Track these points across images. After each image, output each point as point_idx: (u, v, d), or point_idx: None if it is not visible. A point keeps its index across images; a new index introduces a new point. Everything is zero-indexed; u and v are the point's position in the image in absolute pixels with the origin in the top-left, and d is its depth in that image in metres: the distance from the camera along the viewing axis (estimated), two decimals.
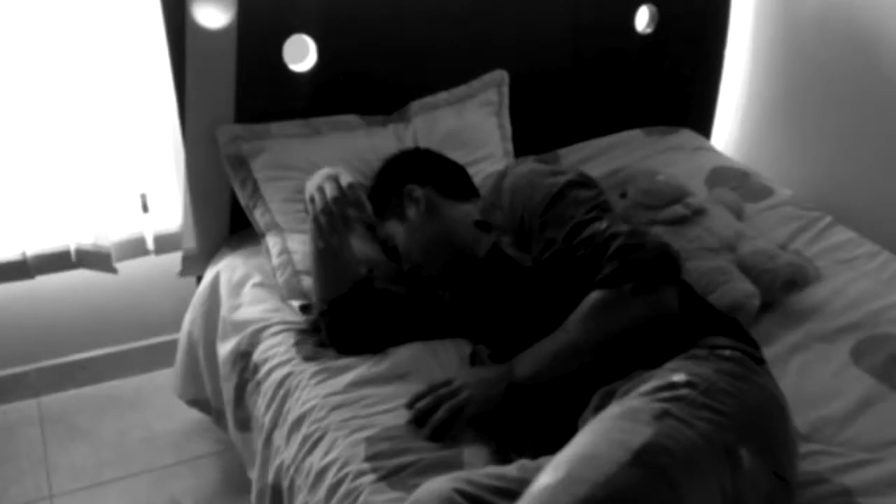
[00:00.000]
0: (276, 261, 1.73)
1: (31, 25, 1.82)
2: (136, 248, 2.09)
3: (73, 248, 2.04)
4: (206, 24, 1.73)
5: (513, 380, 1.37)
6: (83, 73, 1.88)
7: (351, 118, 1.92)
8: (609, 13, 2.19)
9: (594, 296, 1.36)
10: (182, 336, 1.93)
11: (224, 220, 1.95)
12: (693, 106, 2.44)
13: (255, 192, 1.82)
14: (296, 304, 1.67)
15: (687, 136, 2.36)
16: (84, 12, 1.83)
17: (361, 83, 1.96)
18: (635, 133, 2.32)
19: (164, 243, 2.10)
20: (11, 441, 2.09)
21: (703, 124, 2.47)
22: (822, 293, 1.78)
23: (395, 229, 1.61)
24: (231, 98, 1.82)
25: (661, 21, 2.24)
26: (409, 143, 1.91)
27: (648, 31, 2.26)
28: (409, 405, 1.38)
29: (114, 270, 2.05)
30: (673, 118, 2.38)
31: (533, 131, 2.18)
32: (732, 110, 2.53)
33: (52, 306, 2.15)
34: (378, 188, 1.67)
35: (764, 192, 2.14)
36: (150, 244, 2.09)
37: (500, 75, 2.10)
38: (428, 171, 1.66)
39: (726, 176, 2.18)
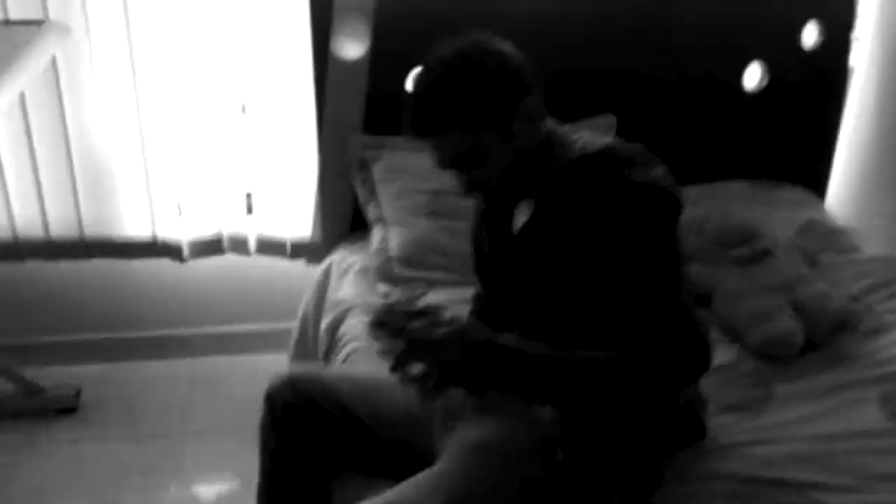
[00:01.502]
0: (375, 247, 2.06)
1: (185, 54, 2.21)
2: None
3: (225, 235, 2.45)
4: (345, 55, 2.10)
5: (494, 340, 1.29)
6: (234, 89, 2.26)
7: None
8: (719, 69, 2.35)
9: (614, 358, 1.28)
10: (299, 313, 2.27)
11: (346, 218, 2.29)
12: (806, 163, 2.52)
13: (372, 191, 2.16)
14: (383, 288, 1.97)
15: (794, 191, 2.47)
16: (241, 40, 2.21)
17: None
18: (741, 184, 2.45)
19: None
20: (166, 389, 2.51)
21: (817, 182, 2.55)
22: (879, 342, 1.84)
23: (490, 143, 1.32)
24: (360, 114, 2.18)
25: (773, 78, 2.37)
26: None
27: (760, 86, 2.39)
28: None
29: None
30: (785, 173, 2.49)
31: None
32: (849, 170, 2.59)
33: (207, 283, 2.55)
34: (475, 90, 1.30)
35: (850, 247, 2.22)
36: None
37: (609, 120, 2.30)
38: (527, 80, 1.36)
39: (818, 228, 2.28)
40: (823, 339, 1.83)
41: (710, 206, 2.28)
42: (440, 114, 1.30)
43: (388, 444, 1.45)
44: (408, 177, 2.12)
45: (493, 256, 1.50)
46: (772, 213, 2.30)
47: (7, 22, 2.02)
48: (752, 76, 2.38)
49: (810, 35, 2.35)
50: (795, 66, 2.37)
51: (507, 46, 1.37)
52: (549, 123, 1.42)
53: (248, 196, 2.40)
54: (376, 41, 2.13)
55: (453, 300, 1.80)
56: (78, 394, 2.39)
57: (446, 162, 1.35)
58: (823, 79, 2.42)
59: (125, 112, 2.26)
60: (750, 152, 2.47)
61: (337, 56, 2.09)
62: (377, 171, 2.16)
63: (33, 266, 2.38)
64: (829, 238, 2.25)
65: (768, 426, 1.60)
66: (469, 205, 1.56)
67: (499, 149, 1.32)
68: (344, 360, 1.81)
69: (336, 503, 1.47)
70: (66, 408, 2.36)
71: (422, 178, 2.10)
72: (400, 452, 1.43)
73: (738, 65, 2.36)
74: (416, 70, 1.36)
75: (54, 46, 1.99)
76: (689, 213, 2.14)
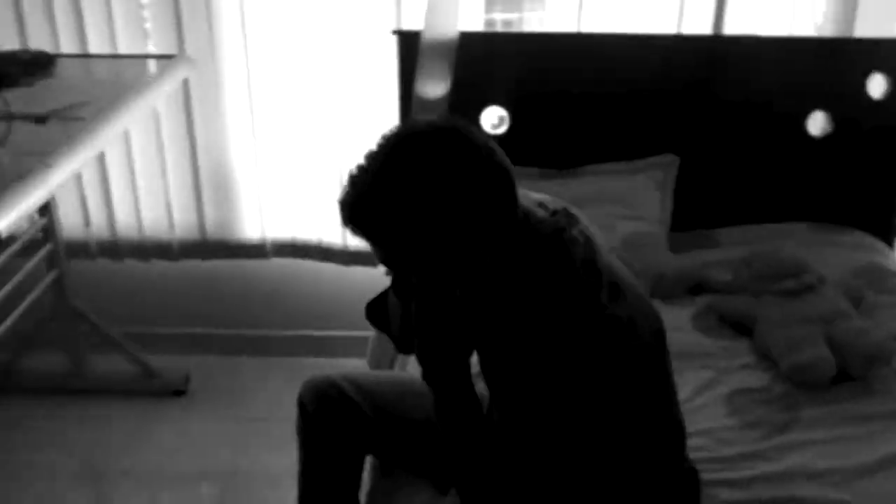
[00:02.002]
0: None
1: (293, 80, 2.53)
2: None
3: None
4: (427, 95, 2.36)
5: None
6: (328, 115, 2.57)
7: (531, 170, 2.42)
8: (784, 114, 2.47)
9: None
10: None
11: None
12: (873, 209, 2.57)
13: None
14: None
15: (857, 235, 2.51)
16: (337, 71, 2.52)
17: (543, 146, 2.46)
18: (800, 226, 2.52)
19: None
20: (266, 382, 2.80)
21: (886, 229, 2.58)
22: None
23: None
24: None
25: (838, 125, 2.47)
26: (572, 191, 2.34)
27: (824, 133, 2.49)
28: None
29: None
30: (851, 219, 2.54)
31: (698, 207, 2.51)
32: None
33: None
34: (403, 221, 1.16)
35: None
36: None
37: (671, 159, 2.45)
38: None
39: (876, 271, 2.33)
40: (857, 371, 1.91)
41: (768, 245, 2.37)
42: (375, 213, 1.17)
43: (414, 440, 1.60)
44: None
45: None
46: (829, 254, 2.37)
47: (147, 56, 2.39)
48: (817, 123, 2.48)
49: (877, 86, 2.44)
50: (861, 115, 2.45)
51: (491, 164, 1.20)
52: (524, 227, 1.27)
53: None
54: (456, 82, 2.38)
55: None
56: (188, 379, 2.73)
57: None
58: (891, 128, 2.50)
59: (243, 127, 2.59)
60: (814, 196, 2.55)
61: (419, 94, 2.35)
62: None
63: (158, 264, 2.74)
64: (884, 281, 2.32)
65: (790, 444, 1.71)
66: None
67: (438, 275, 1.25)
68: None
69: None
70: (176, 390, 2.71)
71: None
72: (425, 449, 1.59)
73: (802, 111, 2.47)
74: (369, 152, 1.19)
75: (183, 74, 2.35)
76: (740, 251, 2.34)
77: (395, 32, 2.39)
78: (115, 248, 2.71)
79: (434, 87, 2.37)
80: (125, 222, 2.69)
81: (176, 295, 2.82)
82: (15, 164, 1.52)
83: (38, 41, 2.42)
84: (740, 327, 2.10)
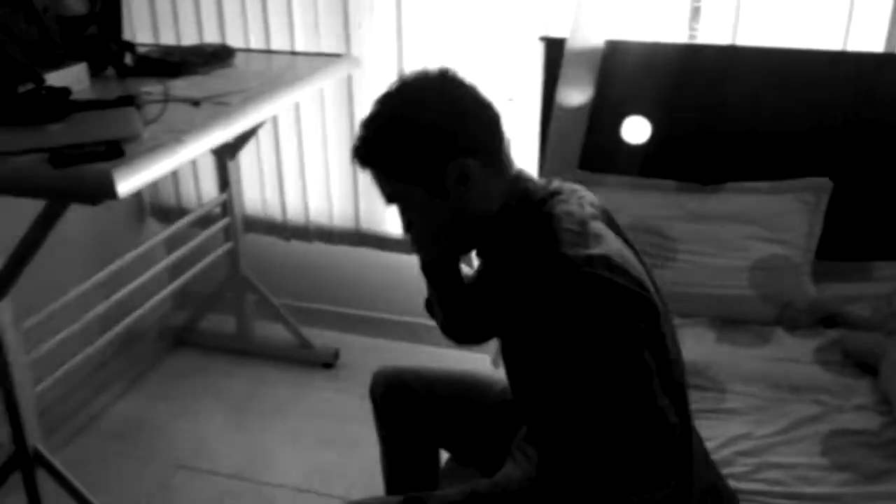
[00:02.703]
0: None
1: None
2: None
3: None
4: (568, 102, 2.40)
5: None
6: None
7: (669, 182, 2.38)
8: None
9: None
10: None
11: None
12: None
13: None
14: None
15: None
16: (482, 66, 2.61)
17: (685, 158, 2.41)
18: None
19: None
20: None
21: None
22: None
23: (418, 196, 1.32)
24: (577, 153, 2.45)
25: None
26: (710, 207, 2.29)
27: None
28: None
29: None
30: None
31: (852, 236, 2.36)
32: None
33: None
34: (399, 135, 1.30)
35: None
36: None
37: (824, 183, 2.31)
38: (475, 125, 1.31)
39: None
40: None
41: None
42: (369, 152, 1.33)
43: (475, 432, 1.68)
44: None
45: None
46: None
47: (318, 54, 2.62)
48: None
49: None
50: None
51: (459, 97, 1.31)
52: (516, 187, 1.33)
53: None
54: (600, 91, 2.39)
55: None
56: (337, 354, 2.95)
57: (384, 197, 1.37)
58: None
59: None
60: None
61: (560, 101, 2.39)
62: None
63: (319, 247, 2.98)
64: None
65: (878, 495, 1.61)
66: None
67: (429, 204, 1.31)
68: None
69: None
70: (326, 363, 2.93)
71: (622, 212, 2.30)
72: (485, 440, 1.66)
73: None
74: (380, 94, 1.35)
75: (347, 70, 2.56)
76: (890, 287, 2.16)
77: (542, 39, 2.45)
78: (283, 229, 2.98)
79: (576, 95, 2.40)
80: (294, 207, 2.95)
81: (333, 276, 3.05)
82: (154, 139, 1.76)
83: (233, 39, 2.75)
84: (866, 366, 1.97)
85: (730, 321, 2.15)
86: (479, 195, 1.30)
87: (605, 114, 2.42)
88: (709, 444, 1.71)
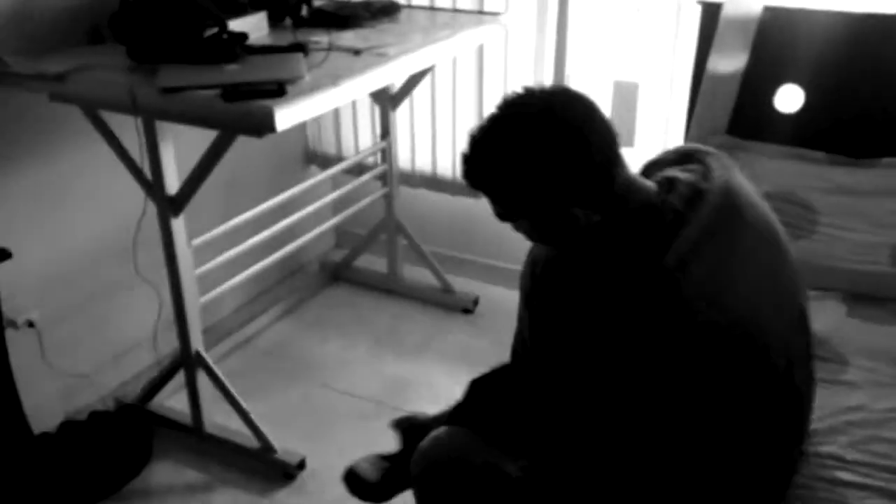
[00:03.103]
0: None
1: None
2: None
3: None
4: (721, 68, 2.38)
5: None
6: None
7: (816, 154, 2.32)
8: None
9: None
10: None
11: None
12: None
13: None
14: None
15: None
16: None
17: (837, 129, 2.34)
18: None
19: None
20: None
21: None
22: None
23: (526, 227, 1.38)
24: (727, 119, 2.43)
25: None
26: (858, 180, 2.22)
27: None
28: None
29: None
30: None
31: None
32: None
33: None
34: (510, 178, 1.30)
35: None
36: None
37: None
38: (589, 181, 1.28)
39: None
40: None
41: None
42: (479, 179, 1.33)
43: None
44: (751, 179, 2.30)
45: None
46: None
47: (479, 12, 2.74)
48: None
49: None
50: None
51: (574, 141, 1.26)
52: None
53: None
54: (753, 57, 2.36)
55: None
56: (476, 302, 3.09)
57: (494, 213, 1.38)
58: None
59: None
60: None
61: (713, 67, 2.38)
62: None
63: (464, 201, 3.11)
64: None
65: None
66: None
67: (534, 230, 1.37)
68: None
69: None
70: (465, 309, 3.08)
71: (766, 180, 2.28)
72: None
73: None
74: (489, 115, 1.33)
75: (504, 29, 2.68)
76: None
77: (699, 2, 2.44)
78: (434, 182, 3.14)
79: (730, 60, 2.39)
80: (444, 163, 3.12)
81: (478, 229, 3.17)
82: (315, 81, 1.94)
83: None
84: None
85: (865, 297, 2.09)
86: (585, 231, 1.33)
87: (758, 81, 2.38)
88: (819, 412, 1.72)
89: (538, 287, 1.41)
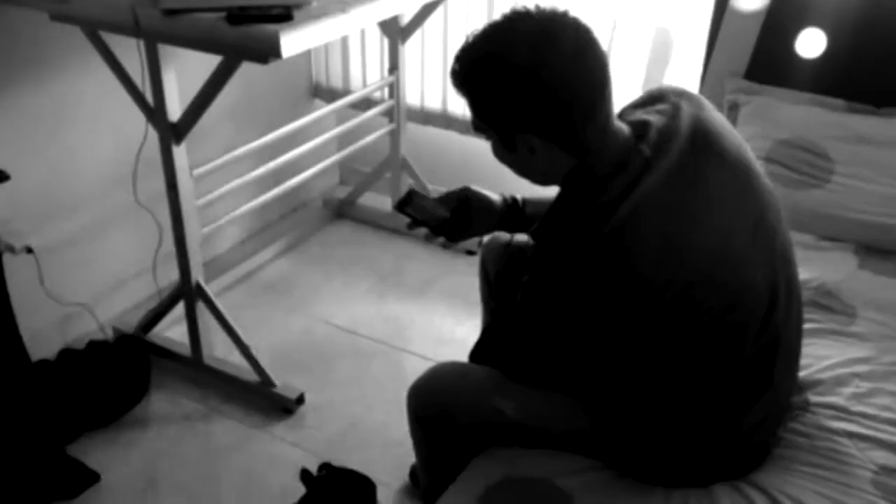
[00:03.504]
0: None
1: None
2: None
3: None
4: (743, 7, 2.31)
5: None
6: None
7: (836, 101, 2.26)
8: None
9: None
10: None
11: None
12: None
13: None
14: None
15: None
16: None
17: (859, 77, 2.27)
18: None
19: None
20: None
21: None
22: None
23: (493, 141, 1.39)
24: (746, 62, 2.36)
25: None
26: (876, 129, 2.16)
27: None
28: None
29: None
30: None
31: None
32: None
33: None
34: (484, 92, 1.33)
35: None
36: None
37: None
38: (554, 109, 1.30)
39: None
40: None
41: None
42: (461, 82, 1.35)
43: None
44: (767, 125, 2.26)
45: None
46: None
47: None
48: None
49: None
50: None
51: (558, 68, 1.27)
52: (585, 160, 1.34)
53: None
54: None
55: None
56: (481, 243, 3.01)
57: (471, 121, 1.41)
58: None
59: None
60: None
61: (734, 6, 2.30)
62: (742, 114, 2.33)
63: (474, 141, 3.03)
64: None
65: None
66: None
67: (500, 147, 1.38)
68: None
69: None
70: (469, 251, 3.04)
71: (782, 126, 2.23)
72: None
73: None
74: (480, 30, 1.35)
75: None
76: None
77: None
78: (444, 118, 3.07)
79: (752, 1, 2.31)
80: (453, 100, 3.02)
81: (484, 169, 3.10)
82: (322, 7, 1.88)
83: None
84: None
85: (877, 250, 2.05)
86: (543, 166, 1.37)
87: (780, 23, 2.31)
88: (825, 363, 1.70)
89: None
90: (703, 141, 1.36)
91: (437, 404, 1.57)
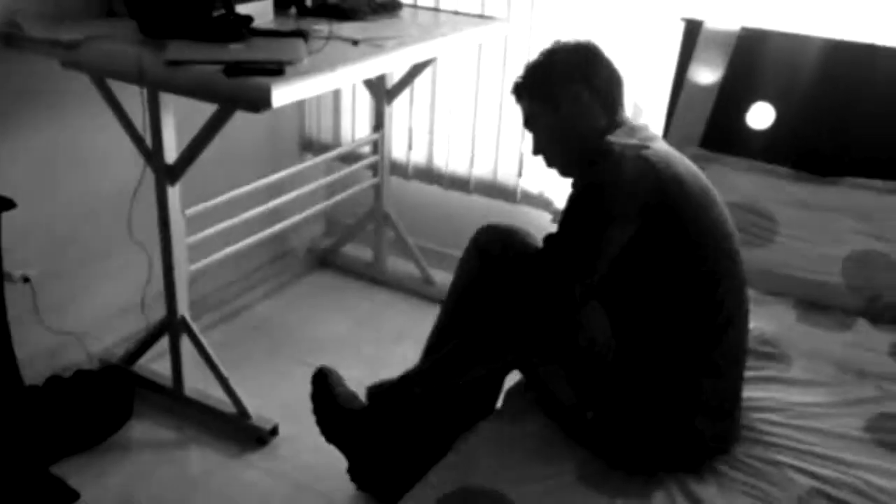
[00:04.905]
0: None
1: None
2: None
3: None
4: (699, 81, 2.51)
5: None
6: None
7: (782, 170, 2.45)
8: None
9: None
10: None
11: None
12: None
13: None
14: None
15: None
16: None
17: (804, 148, 2.47)
18: None
19: None
20: None
21: None
22: None
23: (541, 114, 1.84)
24: (700, 131, 2.56)
25: None
26: (819, 197, 2.35)
27: None
28: None
29: None
30: None
31: None
32: None
33: None
34: (545, 70, 1.84)
35: None
36: None
37: None
38: (595, 74, 1.81)
39: None
40: None
41: None
42: (523, 83, 1.87)
43: None
44: (719, 188, 2.42)
45: None
46: None
47: (479, 16, 2.86)
48: None
49: None
50: None
51: (595, 55, 1.82)
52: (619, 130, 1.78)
53: None
54: (728, 74, 2.49)
55: None
56: None
57: (523, 120, 1.89)
58: None
59: None
60: None
61: (691, 80, 2.51)
62: None
63: (455, 195, 3.23)
64: None
65: None
66: None
67: (548, 118, 1.83)
68: None
69: None
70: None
71: (733, 191, 2.40)
72: None
73: None
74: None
75: (502, 33, 2.85)
76: None
77: (683, 19, 2.57)
78: (428, 173, 3.26)
79: (707, 75, 2.52)
80: (439, 156, 3.22)
81: (463, 224, 3.27)
82: (312, 65, 2.07)
83: None
84: None
85: (815, 305, 2.22)
86: (580, 122, 1.80)
87: (732, 96, 2.52)
88: (760, 403, 1.85)
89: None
90: (678, 159, 1.78)
91: (501, 240, 2.03)
